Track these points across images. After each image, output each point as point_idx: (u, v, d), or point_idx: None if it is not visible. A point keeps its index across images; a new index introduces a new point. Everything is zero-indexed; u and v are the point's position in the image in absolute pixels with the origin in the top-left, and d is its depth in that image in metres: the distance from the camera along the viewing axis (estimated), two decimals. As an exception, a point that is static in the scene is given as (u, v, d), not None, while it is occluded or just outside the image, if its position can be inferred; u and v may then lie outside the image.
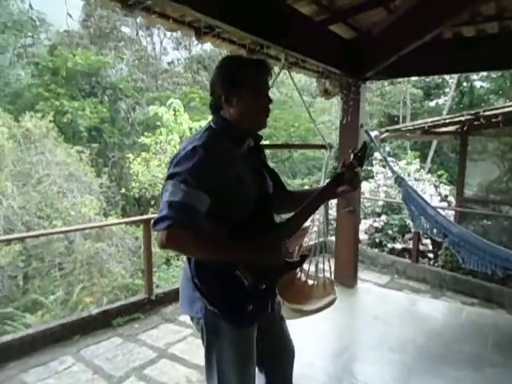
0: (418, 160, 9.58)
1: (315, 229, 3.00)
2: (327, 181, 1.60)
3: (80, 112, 11.07)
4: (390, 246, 6.39)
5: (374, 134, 5.65)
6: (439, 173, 9.03)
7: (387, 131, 5.47)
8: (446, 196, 7.88)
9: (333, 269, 4.31)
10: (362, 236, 6.69)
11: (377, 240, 6.63)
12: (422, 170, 8.96)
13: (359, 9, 3.03)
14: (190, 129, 6.90)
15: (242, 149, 1.42)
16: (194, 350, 3.10)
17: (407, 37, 3.11)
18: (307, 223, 3.04)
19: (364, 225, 6.80)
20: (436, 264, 5.53)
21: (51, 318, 4.54)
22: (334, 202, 5.22)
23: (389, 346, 3.05)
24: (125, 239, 6.58)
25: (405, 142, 15.46)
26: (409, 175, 8.28)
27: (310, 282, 2.93)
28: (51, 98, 11.22)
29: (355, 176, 1.51)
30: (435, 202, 7.31)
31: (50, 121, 7.40)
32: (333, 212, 5.91)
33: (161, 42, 15.18)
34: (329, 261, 2.90)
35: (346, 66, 3.48)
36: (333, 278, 4.22)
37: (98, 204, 6.84)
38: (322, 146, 2.94)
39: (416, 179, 8.23)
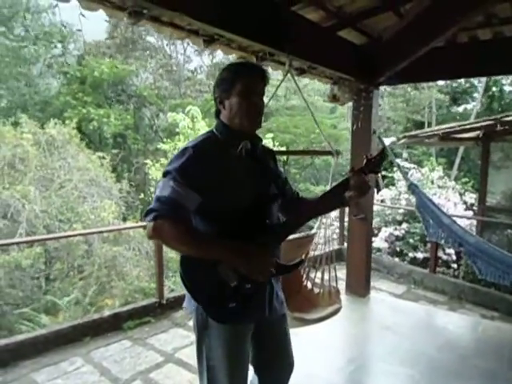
0: (441, 167, 9.31)
1: (322, 236, 2.96)
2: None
3: (105, 119, 11.43)
4: (411, 255, 6.22)
5: (390, 140, 5.55)
6: (463, 180, 8.74)
7: (405, 137, 5.34)
8: (472, 204, 7.61)
9: (344, 277, 4.26)
10: (383, 244, 6.55)
11: (397, 249, 6.47)
12: (446, 178, 8.70)
13: (368, 14, 3.00)
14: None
15: (239, 151, 1.44)
16: (200, 355, 3.10)
17: (419, 41, 3.05)
18: (313, 230, 3.01)
19: (384, 233, 6.66)
20: (461, 275, 5.34)
21: (69, 319, 4.66)
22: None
23: (399, 358, 2.95)
24: (143, 243, 6.71)
25: (430, 148, 15.09)
26: (432, 182, 8.06)
27: (316, 290, 2.89)
28: (78, 106, 11.64)
29: (363, 182, 1.48)
30: (460, 210, 7.09)
31: (73, 127, 7.70)
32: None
33: (184, 50, 15.47)
34: (335, 269, 2.86)
35: (357, 72, 3.44)
36: (344, 286, 4.17)
37: (116, 208, 7.03)
38: (329, 153, 2.91)
39: (440, 186, 8.00)
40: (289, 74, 2.64)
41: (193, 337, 3.52)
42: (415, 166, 8.62)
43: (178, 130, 7.56)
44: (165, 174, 1.34)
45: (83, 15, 1.67)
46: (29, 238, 5.57)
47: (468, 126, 4.96)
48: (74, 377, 2.86)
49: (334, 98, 3.55)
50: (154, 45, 14.44)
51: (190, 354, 3.16)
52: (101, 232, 6.28)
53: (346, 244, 5.54)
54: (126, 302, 5.28)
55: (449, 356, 2.99)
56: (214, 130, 1.48)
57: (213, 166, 1.35)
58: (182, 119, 7.14)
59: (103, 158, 7.94)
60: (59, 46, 13.21)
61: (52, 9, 11.77)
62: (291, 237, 2.90)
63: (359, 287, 4.07)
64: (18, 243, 5.73)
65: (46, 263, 6.12)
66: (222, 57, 14.83)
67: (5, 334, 5.00)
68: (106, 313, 3.65)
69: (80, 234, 6.02)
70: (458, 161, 15.17)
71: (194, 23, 2.32)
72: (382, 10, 3.00)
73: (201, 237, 1.36)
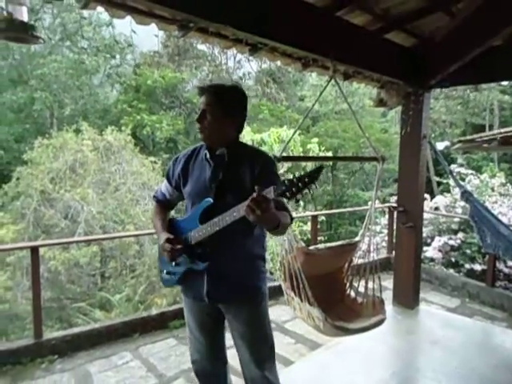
0: (503, 173, 8.68)
1: (366, 244, 2.89)
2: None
3: (158, 125, 11.98)
4: (467, 266, 5.84)
5: (444, 144, 5.28)
6: (526, 187, 8.06)
7: (460, 142, 5.04)
8: (540, 214, 6.98)
9: (392, 287, 4.10)
10: (436, 254, 6.23)
11: (452, 259, 6.11)
12: (508, 184, 8.10)
13: (417, 15, 2.89)
14: (253, 141, 7.07)
15: (203, 158, 1.73)
16: (239, 357, 3.14)
17: (473, 40, 2.90)
18: (357, 238, 2.94)
19: (438, 242, 6.33)
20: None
21: (120, 315, 4.92)
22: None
23: (446, 375, 2.78)
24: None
25: (491, 153, 14.12)
26: (492, 190, 7.54)
27: (360, 299, 2.83)
28: (133, 113, 12.30)
29: (257, 206, 1.22)
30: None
31: (128, 134, 8.17)
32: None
33: (234, 57, 15.77)
34: (379, 278, 2.78)
35: (406, 75, 3.33)
36: (390, 297, 4.02)
37: (166, 211, 7.29)
38: (374, 159, 2.83)
39: (501, 194, 7.46)
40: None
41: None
42: (473, 172, 8.12)
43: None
44: None
45: (134, 32, 1.78)
46: (86, 238, 5.98)
47: (532, 129, 4.58)
48: (123, 370, 3.02)
49: (380, 103, 3.46)
50: (205, 53, 14.88)
51: (229, 355, 3.21)
52: (151, 234, 6.56)
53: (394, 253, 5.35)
54: (174, 302, 5.47)
55: (504, 376, 2.78)
56: None
57: (181, 168, 1.77)
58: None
59: (155, 162, 8.34)
60: (118, 57, 14.04)
61: (112, 23, 12.56)
62: (329, 245, 2.86)
63: (407, 298, 3.90)
64: (77, 242, 6.17)
65: (102, 261, 6.51)
66: (270, 63, 14.98)
67: (65, 326, 5.39)
68: (154, 311, 3.82)
69: (132, 235, 6.36)
70: (523, 166, 14.11)
71: (238, 33, 2.39)
72: (432, 11, 2.88)
73: (158, 220, 1.82)
